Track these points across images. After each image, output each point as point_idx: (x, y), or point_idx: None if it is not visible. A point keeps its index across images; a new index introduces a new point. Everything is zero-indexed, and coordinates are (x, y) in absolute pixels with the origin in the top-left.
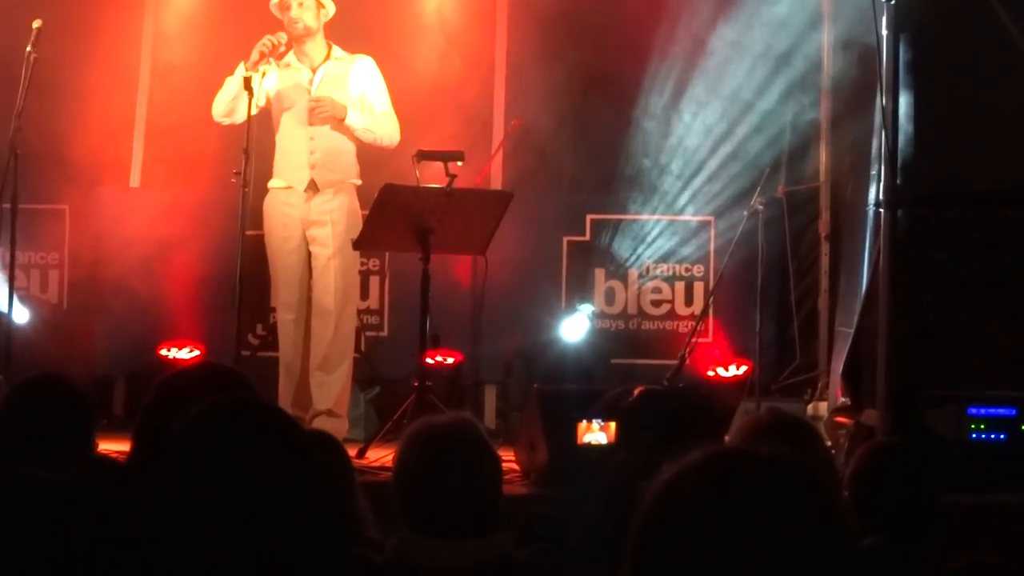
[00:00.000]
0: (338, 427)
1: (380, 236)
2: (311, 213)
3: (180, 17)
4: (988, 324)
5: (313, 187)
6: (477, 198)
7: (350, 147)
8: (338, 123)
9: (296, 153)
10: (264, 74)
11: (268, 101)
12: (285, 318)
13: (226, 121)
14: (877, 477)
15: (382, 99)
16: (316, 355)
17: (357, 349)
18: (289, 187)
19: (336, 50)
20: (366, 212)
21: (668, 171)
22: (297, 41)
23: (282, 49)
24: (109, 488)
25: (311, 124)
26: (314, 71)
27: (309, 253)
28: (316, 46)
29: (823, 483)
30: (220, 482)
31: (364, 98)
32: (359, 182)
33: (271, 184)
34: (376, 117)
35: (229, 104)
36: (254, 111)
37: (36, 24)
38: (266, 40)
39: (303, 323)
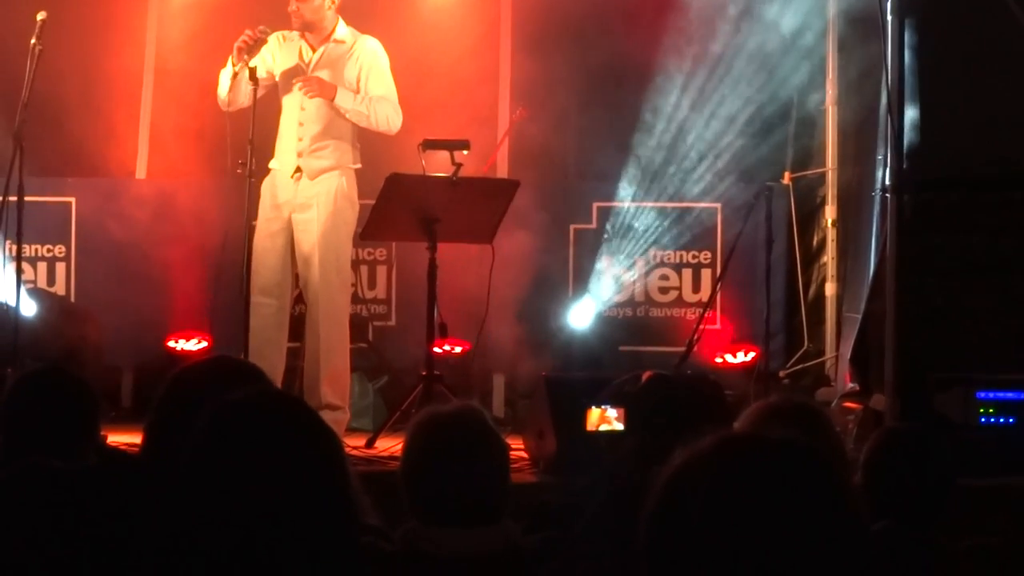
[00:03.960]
0: (340, 419)
1: (386, 226)
2: (297, 196)
3: (185, 7)
4: (996, 307)
5: (299, 173)
6: (483, 187)
7: (345, 132)
8: (329, 103)
9: (288, 136)
10: (248, 66)
11: (272, 76)
12: (261, 301)
13: (232, 109)
14: (891, 462)
15: (380, 82)
16: (319, 348)
17: (365, 339)
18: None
19: (341, 28)
20: (369, 201)
21: (674, 158)
22: (299, 28)
23: (267, 37)
24: (122, 479)
25: (302, 107)
26: (314, 49)
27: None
28: (322, 24)
29: (834, 467)
30: (247, 473)
31: (362, 80)
32: (355, 167)
33: (271, 164)
34: (372, 100)
35: (227, 96)
36: (246, 97)
37: (40, 16)
38: (245, 35)
39: (286, 312)
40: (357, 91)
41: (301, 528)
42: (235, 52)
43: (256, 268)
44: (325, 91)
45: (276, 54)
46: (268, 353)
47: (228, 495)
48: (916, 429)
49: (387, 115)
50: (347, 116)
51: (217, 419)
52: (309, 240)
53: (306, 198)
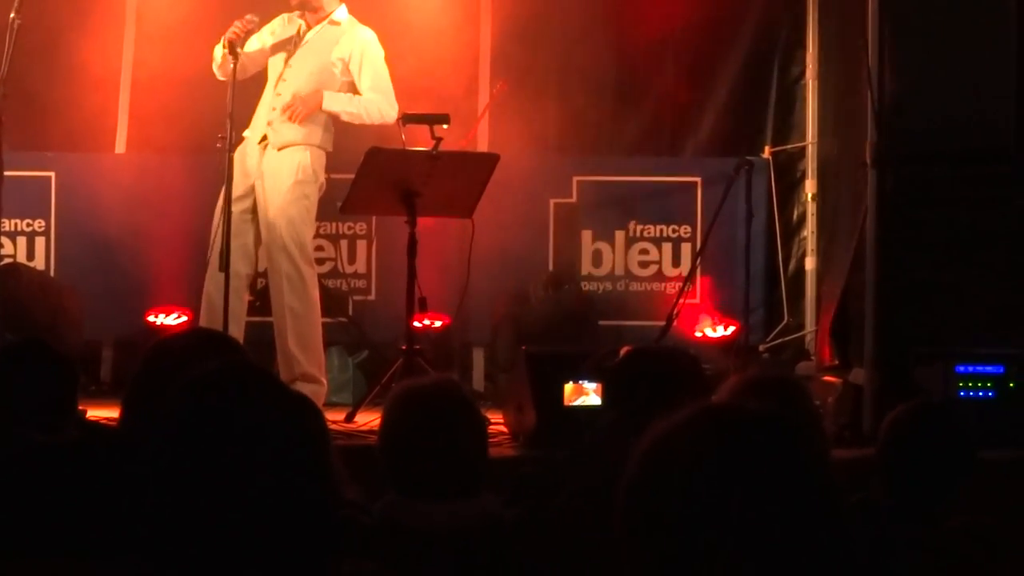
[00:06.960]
0: (317, 391)
1: (366, 200)
2: (262, 165)
3: None
4: (975, 282)
5: (265, 141)
6: (463, 161)
7: (320, 114)
8: (317, 105)
9: (264, 105)
10: (236, 56)
11: (266, 52)
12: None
13: (227, 79)
14: (914, 436)
15: (371, 75)
16: (284, 315)
17: (344, 313)
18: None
19: (341, 12)
20: (348, 176)
21: (654, 132)
22: (296, 7)
23: (255, 28)
24: (103, 452)
25: (283, 78)
26: (310, 28)
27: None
28: (319, 4)
29: (811, 440)
30: (216, 446)
31: (352, 67)
32: (325, 149)
33: (244, 132)
34: (362, 98)
35: (220, 69)
36: (242, 71)
37: None
38: (235, 27)
39: (243, 280)
40: (339, 76)
41: (278, 500)
42: (227, 44)
43: (214, 233)
44: (310, 105)
45: (277, 31)
46: (219, 317)
47: (199, 467)
48: (941, 405)
49: (380, 110)
50: (343, 119)
51: (185, 391)
52: (270, 208)
53: (270, 168)
